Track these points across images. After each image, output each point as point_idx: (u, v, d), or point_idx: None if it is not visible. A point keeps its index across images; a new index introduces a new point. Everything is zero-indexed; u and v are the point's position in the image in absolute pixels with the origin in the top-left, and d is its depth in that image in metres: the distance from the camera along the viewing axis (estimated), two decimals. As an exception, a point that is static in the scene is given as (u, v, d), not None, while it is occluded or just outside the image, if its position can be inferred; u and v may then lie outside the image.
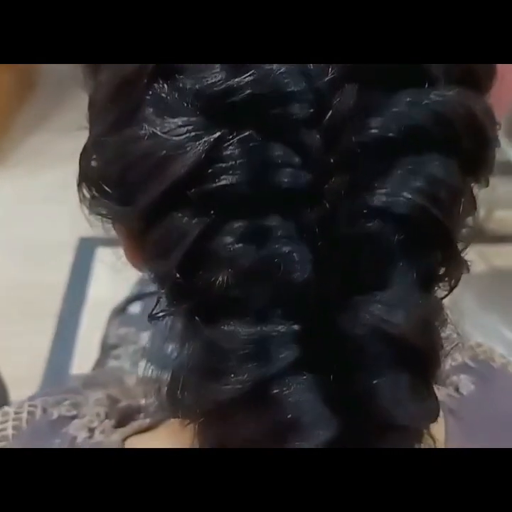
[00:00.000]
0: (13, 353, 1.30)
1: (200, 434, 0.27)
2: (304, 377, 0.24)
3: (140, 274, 0.81)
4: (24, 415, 0.38)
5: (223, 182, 0.22)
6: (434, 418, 0.27)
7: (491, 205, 1.99)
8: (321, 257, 0.23)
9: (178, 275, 0.24)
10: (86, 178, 0.29)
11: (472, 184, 0.28)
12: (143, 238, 0.26)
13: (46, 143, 2.43)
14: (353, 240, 0.23)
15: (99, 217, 0.30)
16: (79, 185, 0.30)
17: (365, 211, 0.23)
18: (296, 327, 0.23)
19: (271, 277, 0.23)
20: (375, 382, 0.24)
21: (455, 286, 0.28)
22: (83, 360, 1.21)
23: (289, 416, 0.23)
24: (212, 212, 0.23)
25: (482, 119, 0.26)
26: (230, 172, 0.22)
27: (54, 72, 2.92)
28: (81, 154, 0.29)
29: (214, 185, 0.23)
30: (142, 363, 0.74)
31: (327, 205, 0.23)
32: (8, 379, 0.96)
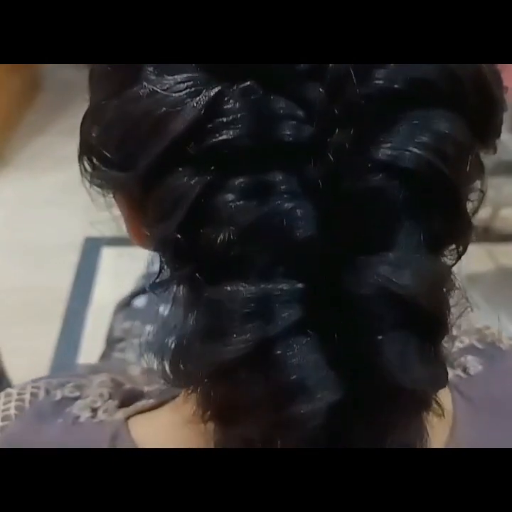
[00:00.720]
0: (18, 354, 1.29)
1: (202, 404, 0.26)
2: (308, 338, 0.23)
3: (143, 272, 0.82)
4: (27, 396, 0.38)
5: (224, 136, 0.22)
6: (441, 384, 0.26)
7: (497, 204, 1.99)
8: (325, 213, 0.23)
9: (179, 236, 0.24)
10: (87, 147, 0.29)
11: (479, 148, 0.27)
12: (144, 204, 0.25)
13: (50, 146, 2.45)
14: (358, 195, 0.23)
15: (100, 189, 0.29)
16: (80, 157, 0.30)
17: (369, 165, 0.22)
18: (299, 286, 0.23)
19: (273, 234, 0.22)
20: (380, 344, 0.23)
21: (463, 253, 0.27)
22: (88, 361, 1.21)
23: (293, 378, 0.23)
24: (212, 168, 0.23)
25: (489, 78, 0.25)
26: (231, 126, 0.22)
27: (58, 76, 2.94)
28: (81, 124, 0.29)
29: (214, 140, 0.22)
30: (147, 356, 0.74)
31: (331, 159, 0.22)
32: (13, 380, 0.96)
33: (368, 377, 0.23)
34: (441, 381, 0.26)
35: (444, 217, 0.25)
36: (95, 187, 0.29)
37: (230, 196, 0.22)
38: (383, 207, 0.23)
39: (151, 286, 0.28)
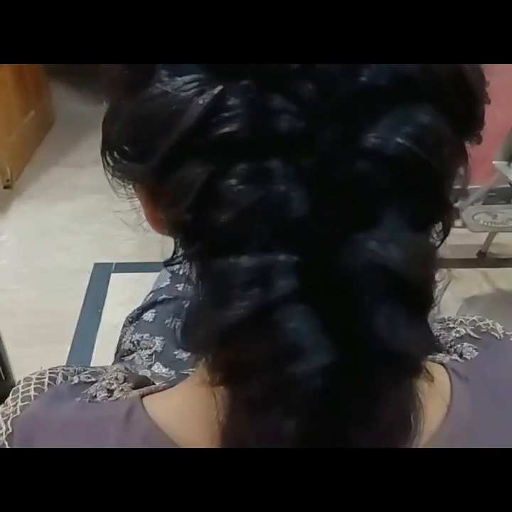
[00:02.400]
0: (29, 374, 1.33)
1: (212, 369, 0.28)
2: (304, 306, 0.25)
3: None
4: (45, 380, 0.40)
5: (226, 129, 0.24)
6: (429, 349, 0.28)
7: (493, 230, 2.03)
8: (318, 196, 0.25)
9: (189, 217, 0.26)
10: (108, 144, 0.31)
11: (462, 138, 0.29)
12: (159, 192, 0.28)
13: (61, 177, 2.54)
14: (346, 180, 0.25)
15: (122, 182, 0.32)
16: (102, 152, 0.32)
17: (357, 153, 0.24)
18: (295, 258, 0.25)
19: (270, 214, 0.25)
20: (370, 312, 0.25)
21: (447, 235, 0.30)
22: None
23: (290, 341, 0.25)
24: (217, 158, 0.25)
25: (468, 75, 0.27)
26: (232, 120, 0.24)
27: (69, 111, 3.05)
28: (103, 123, 0.32)
29: (218, 132, 0.24)
30: (156, 366, 0.77)
31: (322, 148, 0.24)
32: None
33: (360, 342, 0.25)
34: (429, 346, 0.28)
35: (427, 200, 0.27)
36: (117, 179, 0.32)
37: (233, 181, 0.25)
38: (370, 191, 0.25)
39: (166, 263, 0.31)
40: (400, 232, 0.26)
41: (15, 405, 0.39)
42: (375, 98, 0.25)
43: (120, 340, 0.83)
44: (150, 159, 0.27)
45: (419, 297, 0.27)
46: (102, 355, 1.55)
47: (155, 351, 0.78)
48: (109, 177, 0.32)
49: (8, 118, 2.40)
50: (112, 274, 1.96)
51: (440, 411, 0.35)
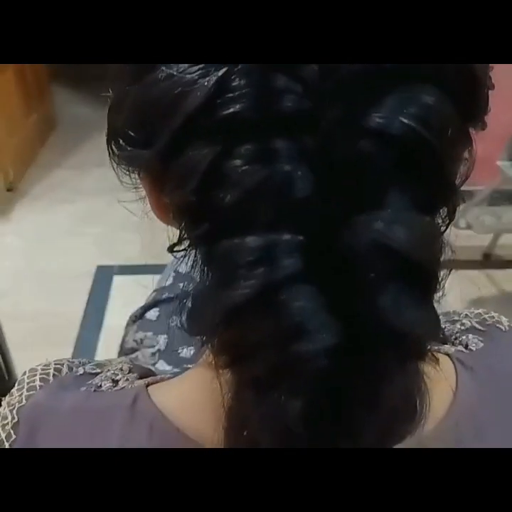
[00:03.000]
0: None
1: (217, 351, 0.28)
2: (309, 285, 0.25)
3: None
4: (51, 371, 0.40)
5: (231, 109, 0.24)
6: (435, 331, 0.28)
7: (498, 231, 2.02)
8: (322, 176, 0.25)
9: (194, 199, 0.26)
10: (114, 132, 0.31)
11: (466, 123, 0.29)
12: (164, 176, 0.28)
13: (64, 179, 2.54)
14: (350, 160, 0.25)
15: (127, 170, 0.32)
16: (108, 141, 0.32)
17: (360, 133, 0.24)
18: (300, 238, 0.25)
19: (275, 193, 0.25)
20: (375, 292, 0.25)
21: (452, 220, 0.30)
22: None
23: (295, 320, 0.25)
24: (222, 138, 0.25)
25: None
26: (237, 100, 0.24)
27: (71, 114, 3.06)
28: (108, 112, 0.32)
29: (223, 113, 0.25)
30: (159, 364, 0.77)
31: (326, 129, 0.24)
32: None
33: (364, 322, 0.25)
34: (435, 328, 0.28)
35: (431, 182, 0.26)
36: (122, 168, 0.32)
37: (238, 162, 0.25)
38: (373, 171, 0.25)
39: (170, 249, 0.31)
40: (405, 213, 0.25)
41: (20, 395, 0.39)
42: (378, 79, 0.25)
43: (123, 339, 0.83)
44: (156, 143, 0.27)
45: (424, 278, 0.26)
46: (105, 357, 1.53)
47: (158, 349, 0.78)
48: (115, 166, 0.32)
49: (11, 121, 2.41)
50: (115, 277, 1.96)
51: (447, 398, 0.35)
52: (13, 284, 1.91)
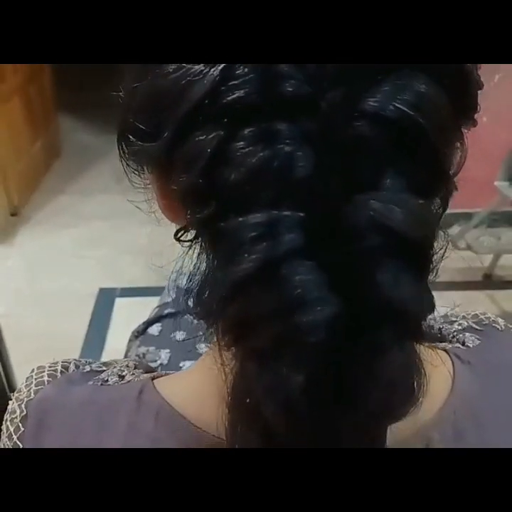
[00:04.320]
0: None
1: (222, 331, 0.29)
2: (310, 261, 0.26)
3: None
4: (59, 368, 0.42)
5: (235, 95, 0.26)
6: (429, 308, 0.29)
7: (498, 252, 2.04)
8: (321, 157, 0.26)
9: (200, 181, 0.27)
10: (123, 128, 0.33)
11: (458, 118, 0.30)
12: (171, 167, 0.29)
13: (67, 205, 2.57)
14: (347, 142, 0.26)
15: (136, 169, 0.34)
16: (118, 141, 0.34)
17: (357, 116, 0.26)
18: (301, 215, 0.26)
19: (276, 173, 0.26)
20: (374, 268, 0.26)
21: (445, 209, 0.31)
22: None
23: (296, 293, 0.25)
24: (227, 123, 0.26)
25: None
26: (241, 86, 0.26)
27: (75, 141, 3.11)
28: (119, 112, 0.33)
29: (228, 98, 0.26)
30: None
31: (325, 112, 0.26)
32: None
33: (363, 297, 0.26)
34: (430, 306, 0.29)
35: (425, 166, 0.28)
36: (131, 169, 0.34)
37: (241, 143, 0.26)
38: (370, 152, 0.26)
39: (176, 236, 0.32)
40: (401, 195, 0.27)
41: (29, 390, 0.40)
42: (374, 66, 0.27)
43: (126, 354, 0.84)
44: (164, 132, 0.28)
45: (420, 258, 0.27)
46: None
47: (161, 364, 0.78)
48: (125, 164, 0.33)
49: (16, 147, 2.44)
50: (117, 299, 1.97)
51: (445, 388, 0.36)
52: (16, 305, 1.92)
